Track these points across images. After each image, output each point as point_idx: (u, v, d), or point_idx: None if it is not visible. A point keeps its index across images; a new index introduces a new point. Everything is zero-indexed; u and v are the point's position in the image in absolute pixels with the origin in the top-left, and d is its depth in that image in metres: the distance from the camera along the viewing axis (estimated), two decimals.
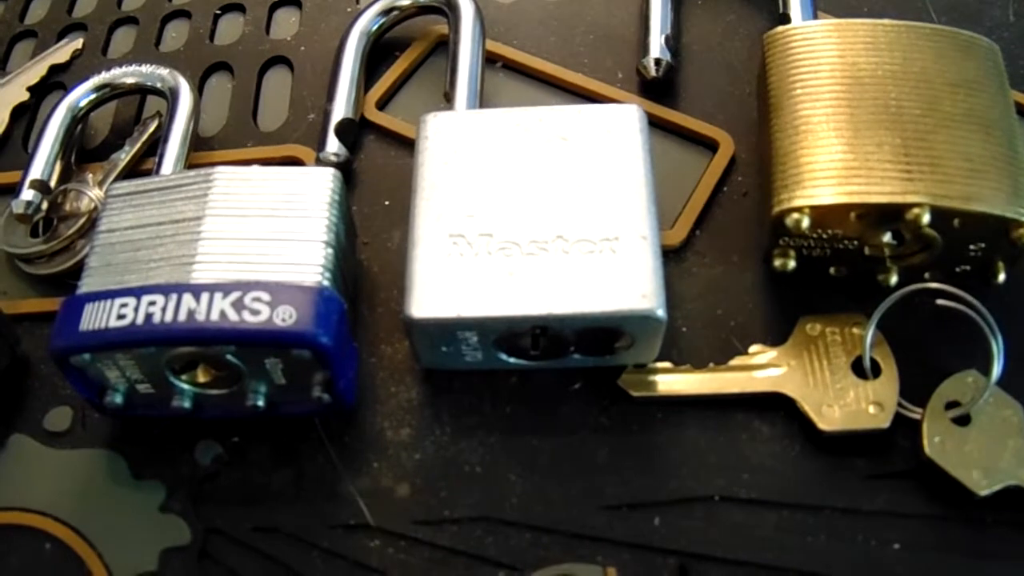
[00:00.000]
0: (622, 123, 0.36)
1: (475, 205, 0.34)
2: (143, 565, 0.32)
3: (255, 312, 0.31)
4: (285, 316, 0.31)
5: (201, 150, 0.42)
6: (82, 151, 0.43)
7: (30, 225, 0.40)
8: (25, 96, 0.45)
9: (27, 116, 0.45)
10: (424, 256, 0.33)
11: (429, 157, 0.35)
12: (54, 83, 0.46)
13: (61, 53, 0.47)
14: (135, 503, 0.34)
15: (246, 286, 0.31)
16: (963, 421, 0.33)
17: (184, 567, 0.32)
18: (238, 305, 0.31)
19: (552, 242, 0.33)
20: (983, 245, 0.34)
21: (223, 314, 0.31)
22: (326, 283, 0.32)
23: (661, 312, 0.32)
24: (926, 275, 0.36)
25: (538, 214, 0.34)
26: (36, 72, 0.46)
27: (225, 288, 0.31)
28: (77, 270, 0.36)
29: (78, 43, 0.48)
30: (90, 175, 0.41)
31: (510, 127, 0.36)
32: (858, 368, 0.34)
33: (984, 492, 0.31)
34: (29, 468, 0.35)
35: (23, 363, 0.37)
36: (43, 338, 0.37)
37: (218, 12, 0.49)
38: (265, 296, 0.31)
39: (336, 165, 0.40)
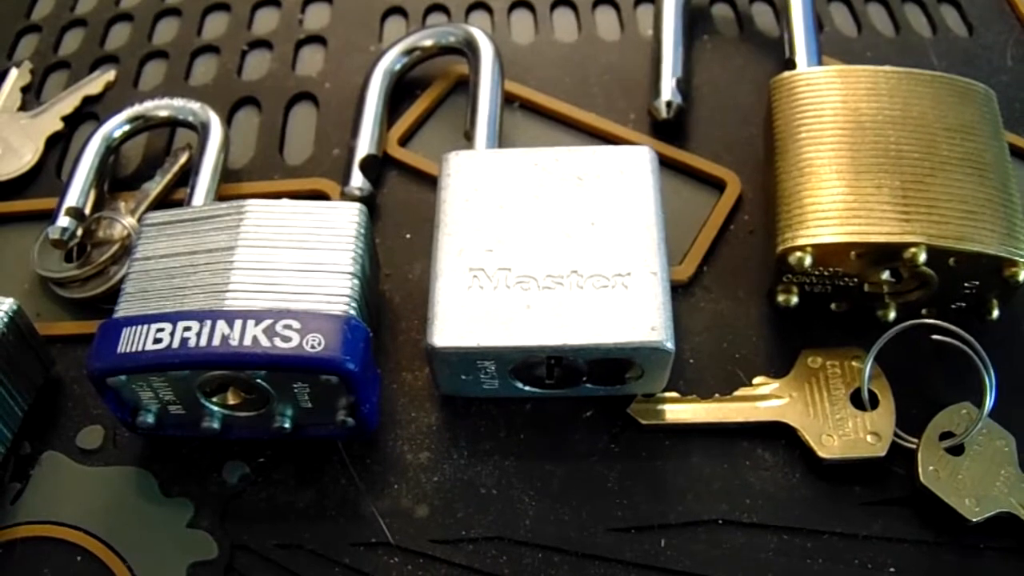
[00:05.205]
0: (635, 164, 0.37)
1: (494, 240, 0.35)
2: None
3: (286, 339, 0.32)
4: (315, 343, 0.32)
5: (229, 182, 0.43)
6: (114, 180, 0.44)
7: (65, 250, 0.41)
8: (59, 126, 0.46)
9: (60, 145, 0.46)
10: (446, 288, 0.34)
11: (451, 194, 0.36)
12: (87, 113, 0.47)
13: (94, 84, 0.48)
14: (164, 519, 0.34)
15: (277, 314, 0.32)
16: (957, 451, 0.34)
17: None
18: (270, 332, 0.32)
19: (567, 277, 0.34)
20: (977, 283, 0.35)
21: (255, 340, 0.32)
22: (352, 312, 0.33)
23: (670, 344, 0.33)
24: (924, 311, 0.37)
25: (554, 250, 0.35)
26: (70, 103, 0.47)
27: (257, 315, 0.32)
28: (109, 294, 0.37)
29: (111, 75, 0.49)
30: (122, 203, 0.42)
31: (528, 166, 0.37)
32: (857, 400, 0.35)
33: (976, 519, 0.32)
34: (62, 484, 0.36)
35: (56, 383, 0.38)
36: (75, 359, 0.38)
37: (245, 48, 0.50)
38: (295, 324, 0.32)
39: (360, 199, 0.41)
